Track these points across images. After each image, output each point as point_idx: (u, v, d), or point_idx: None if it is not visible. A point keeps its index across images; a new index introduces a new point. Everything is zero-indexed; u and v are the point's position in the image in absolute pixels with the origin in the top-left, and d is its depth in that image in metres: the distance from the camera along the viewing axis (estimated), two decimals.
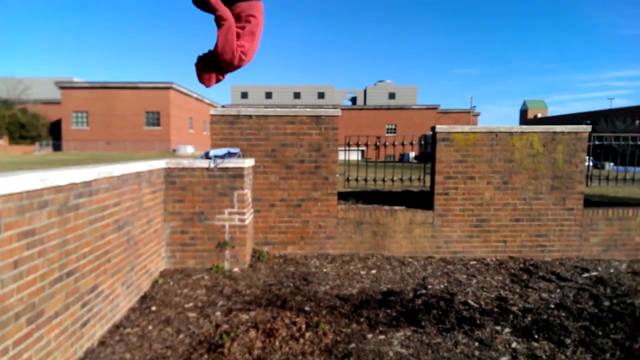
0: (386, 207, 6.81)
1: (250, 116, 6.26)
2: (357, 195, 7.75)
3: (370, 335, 3.90)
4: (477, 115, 68.50)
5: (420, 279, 5.59)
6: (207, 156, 5.78)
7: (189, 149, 48.01)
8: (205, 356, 3.50)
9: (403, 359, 3.51)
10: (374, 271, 5.84)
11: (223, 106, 59.37)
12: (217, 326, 4.02)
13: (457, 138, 6.41)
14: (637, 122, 44.09)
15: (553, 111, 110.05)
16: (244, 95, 68.54)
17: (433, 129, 6.46)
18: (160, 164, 5.28)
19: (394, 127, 58.75)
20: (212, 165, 5.53)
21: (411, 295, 5.00)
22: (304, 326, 4.01)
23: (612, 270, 6.01)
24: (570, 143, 6.50)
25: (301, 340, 3.76)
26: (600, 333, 4.08)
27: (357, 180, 6.90)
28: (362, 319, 4.24)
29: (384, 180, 6.95)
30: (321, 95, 68.59)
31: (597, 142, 6.87)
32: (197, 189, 5.51)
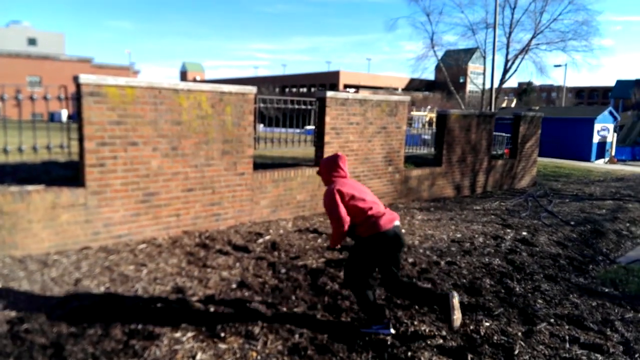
0: (14, 188, 4.80)
1: None
2: None
3: None
4: (137, 72, 65.20)
5: (72, 283, 4.12)
6: None
7: None
8: None
9: None
10: None
11: None
12: None
13: (111, 93, 5.00)
14: (276, 89, 52.13)
15: (209, 75, 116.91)
16: None
17: (76, 79, 4.79)
18: None
19: (38, 79, 48.74)
20: None
21: (58, 313, 3.53)
22: None
23: (281, 231, 6.13)
24: (238, 104, 6.16)
25: None
26: (285, 309, 3.82)
27: None
28: None
29: (5, 151, 4.83)
30: None
31: (262, 105, 6.84)
32: None
